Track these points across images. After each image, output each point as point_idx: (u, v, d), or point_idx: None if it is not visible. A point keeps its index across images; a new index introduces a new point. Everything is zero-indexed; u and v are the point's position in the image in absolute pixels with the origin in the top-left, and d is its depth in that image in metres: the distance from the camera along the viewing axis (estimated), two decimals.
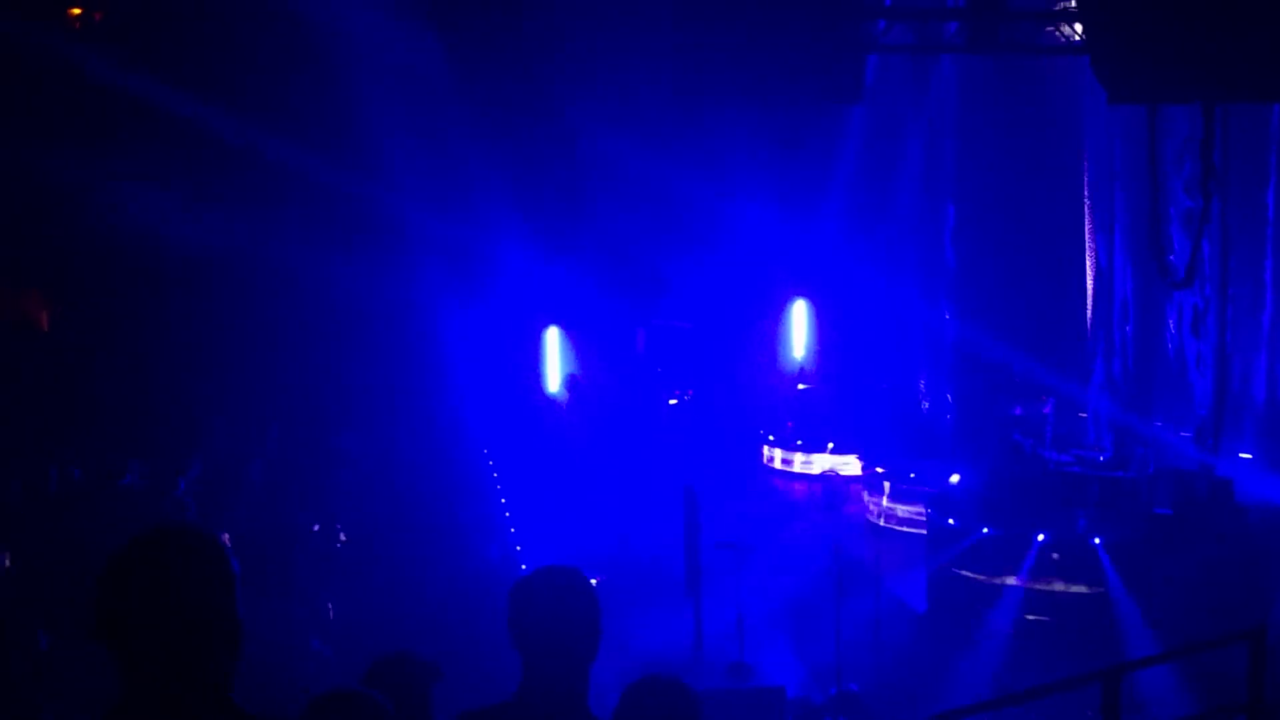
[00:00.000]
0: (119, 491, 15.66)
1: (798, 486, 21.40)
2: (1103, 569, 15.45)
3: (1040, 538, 15.68)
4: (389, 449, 18.46)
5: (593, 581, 4.41)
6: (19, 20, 17.83)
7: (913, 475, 19.08)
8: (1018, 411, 19.34)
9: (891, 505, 19.22)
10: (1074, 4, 14.28)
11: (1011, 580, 15.82)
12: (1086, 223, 20.15)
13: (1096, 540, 15.57)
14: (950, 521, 16.69)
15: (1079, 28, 13.91)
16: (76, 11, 19.59)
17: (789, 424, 22.65)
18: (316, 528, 15.81)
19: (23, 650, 12.37)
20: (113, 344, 18.64)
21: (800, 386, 23.49)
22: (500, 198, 20.64)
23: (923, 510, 17.90)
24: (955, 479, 18.03)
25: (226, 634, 3.19)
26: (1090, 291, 20.22)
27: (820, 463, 21.39)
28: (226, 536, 14.74)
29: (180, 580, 3.15)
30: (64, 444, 16.34)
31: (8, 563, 13.44)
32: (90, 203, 18.35)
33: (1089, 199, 19.98)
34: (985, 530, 16.06)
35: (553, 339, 22.90)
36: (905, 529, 18.70)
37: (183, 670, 3.13)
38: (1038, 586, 15.66)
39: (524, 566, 16.39)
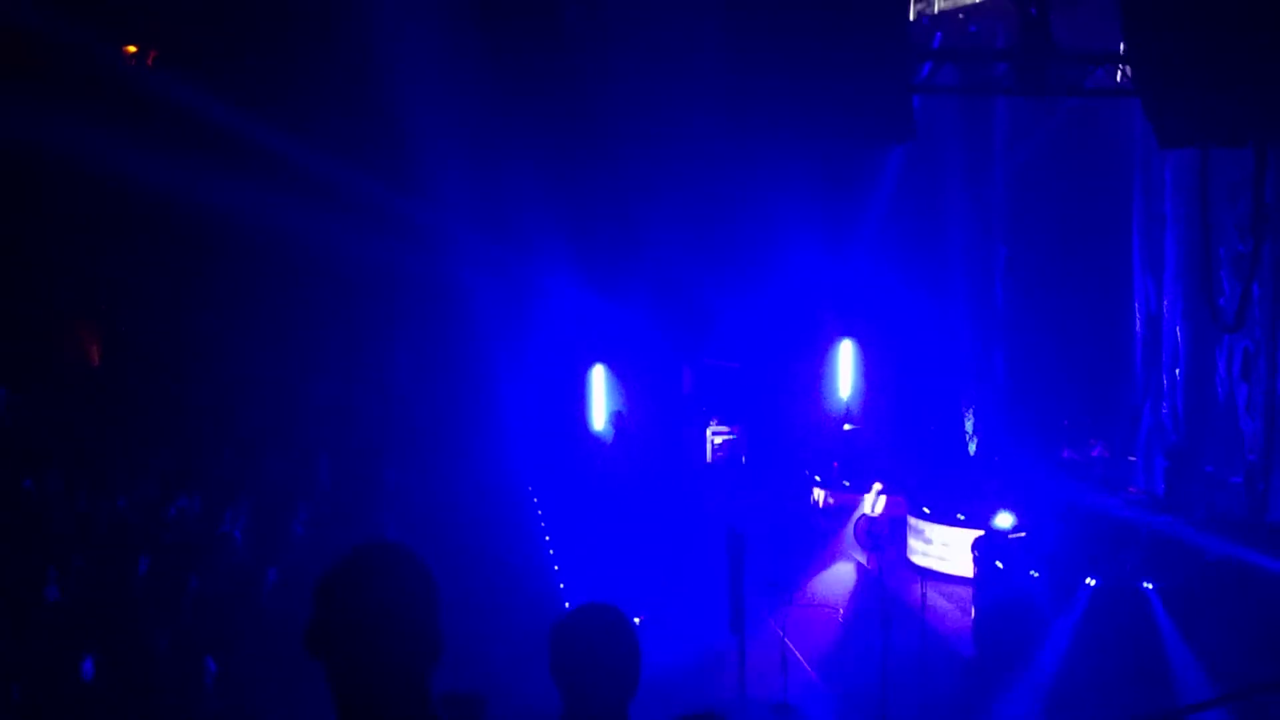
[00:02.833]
0: (166, 525, 15.77)
1: (843, 526, 21.33)
2: (1154, 613, 15.30)
3: (1090, 582, 15.54)
4: (435, 483, 18.53)
5: (635, 620, 4.42)
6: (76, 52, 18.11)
7: (961, 517, 18.96)
8: (1067, 454, 19.22)
9: (938, 546, 19.13)
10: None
11: (1061, 622, 15.67)
12: (1136, 265, 20.06)
13: (1149, 585, 15.41)
14: (998, 564, 16.56)
15: (1129, 70, 13.88)
16: (132, 49, 19.87)
17: (835, 464, 22.58)
18: None
19: (67, 679, 12.45)
20: (164, 380, 18.80)
21: (846, 427, 23.43)
22: (550, 235, 20.74)
23: (970, 551, 17.79)
24: (1008, 519, 17.88)
25: (433, 645, 3.36)
26: (1140, 334, 20.10)
27: (865, 503, 21.29)
28: (275, 571, 14.87)
29: (395, 595, 3.32)
30: (114, 478, 16.47)
31: (57, 594, 13.56)
32: (140, 241, 18.59)
33: (1139, 241, 19.89)
34: (1034, 574, 15.91)
35: (599, 376, 22.94)
36: (951, 569, 18.60)
37: (396, 681, 3.30)
38: (1087, 629, 15.51)
39: (566, 603, 16.39)
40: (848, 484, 21.74)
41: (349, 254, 19.88)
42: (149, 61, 20.38)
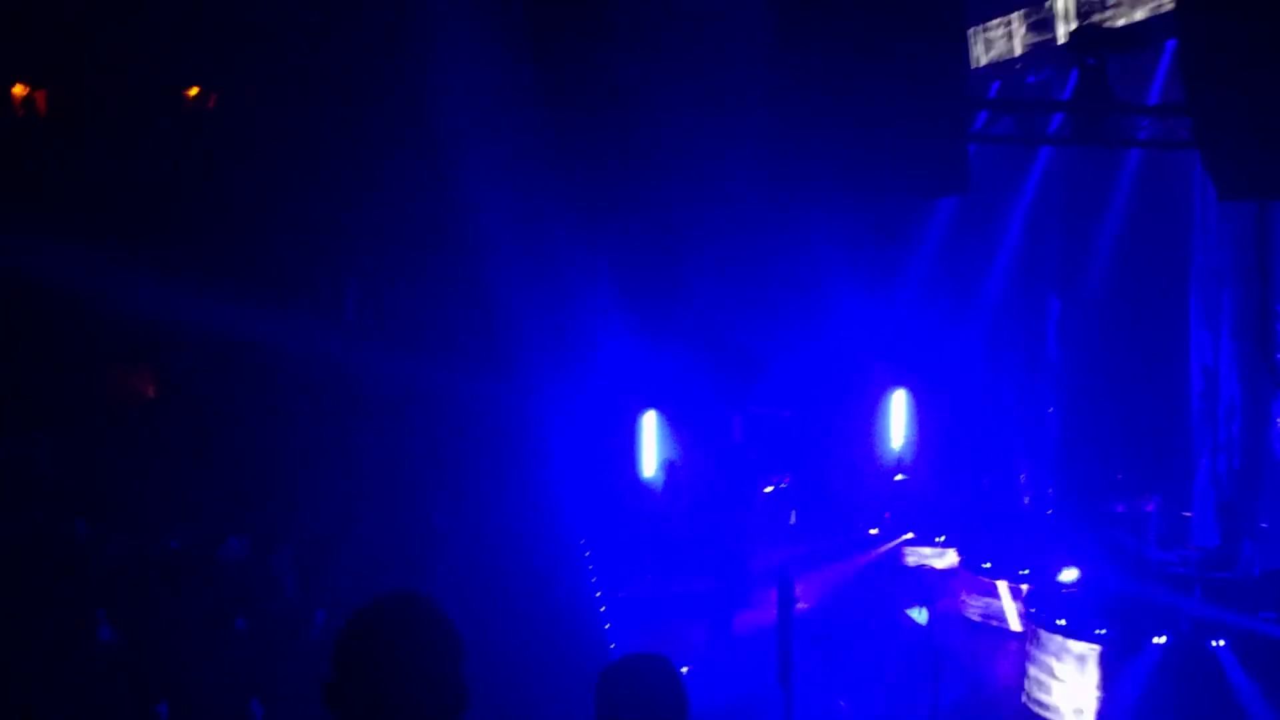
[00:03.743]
0: (217, 565, 15.83)
1: (896, 581, 21.14)
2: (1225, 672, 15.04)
3: (1160, 640, 15.29)
4: (484, 528, 18.50)
5: (683, 670, 4.37)
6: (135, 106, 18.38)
7: (1025, 572, 18.76)
8: (1120, 509, 19.00)
9: (989, 600, 18.94)
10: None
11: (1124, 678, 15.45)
12: (1193, 319, 19.89)
13: (1220, 643, 15.14)
14: (1060, 622, 16.36)
15: (1188, 122, 13.78)
16: (194, 92, 20.13)
17: (886, 515, 22.42)
18: None
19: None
20: (212, 421, 18.89)
21: (898, 477, 23.27)
22: (600, 281, 20.76)
23: (1022, 606, 17.61)
24: (1072, 574, 17.67)
25: (456, 699, 3.27)
26: (1196, 389, 19.91)
27: (915, 555, 21.10)
28: (322, 613, 14.88)
29: (412, 648, 3.25)
30: (163, 520, 16.56)
31: (109, 634, 13.62)
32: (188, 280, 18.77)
33: (1196, 295, 19.73)
34: (1101, 631, 15.68)
35: (650, 424, 22.87)
36: (1003, 624, 18.41)
37: None
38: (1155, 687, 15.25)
39: (613, 650, 16.32)
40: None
41: (400, 303, 19.99)
42: (210, 104, 20.62)
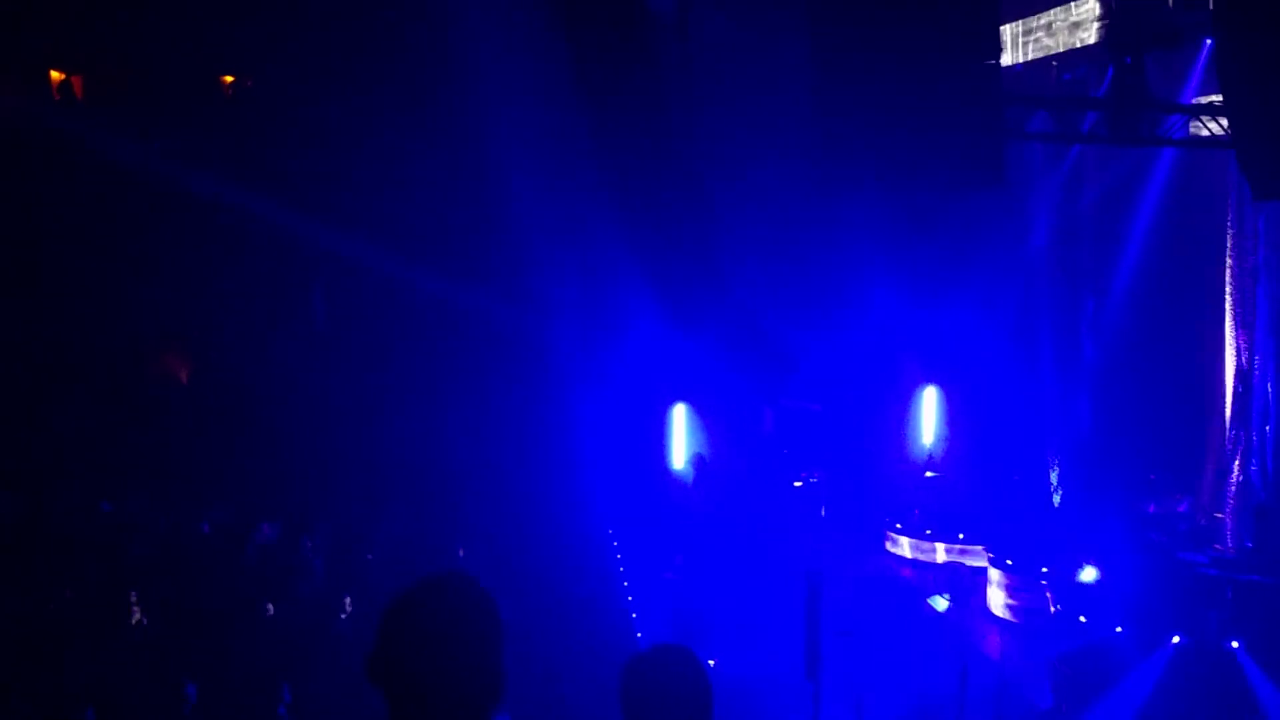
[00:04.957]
0: (248, 549, 15.90)
1: (923, 575, 21.11)
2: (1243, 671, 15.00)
3: (1175, 639, 15.25)
4: (513, 517, 18.54)
5: (709, 663, 4.39)
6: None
7: (1045, 569, 18.70)
8: (1152, 509, 18.91)
9: (1019, 597, 18.89)
10: (1220, 99, 14.08)
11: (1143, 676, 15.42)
12: (1228, 319, 19.78)
13: (1235, 644, 15.10)
14: (1081, 619, 16.34)
15: (1224, 122, 13.71)
16: (229, 79, 20.20)
17: (916, 511, 22.38)
18: None
19: (166, 702, 12.55)
20: (249, 406, 18.96)
21: (928, 474, 23.23)
22: (633, 271, 20.73)
23: (1051, 604, 17.57)
24: (1092, 574, 17.62)
25: (494, 685, 3.32)
26: (1230, 390, 19.80)
27: (945, 552, 21.06)
28: (350, 600, 14.95)
29: (459, 630, 3.29)
30: (197, 502, 16.64)
31: (141, 616, 13.71)
32: (233, 266, 18.86)
33: (1231, 295, 19.62)
34: (1119, 629, 15.67)
35: (680, 416, 22.86)
36: (1031, 621, 18.36)
37: (455, 717, 3.26)
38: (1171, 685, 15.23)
39: (640, 639, 16.35)
40: (929, 532, 21.50)
41: (433, 291, 20.01)
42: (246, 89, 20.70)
